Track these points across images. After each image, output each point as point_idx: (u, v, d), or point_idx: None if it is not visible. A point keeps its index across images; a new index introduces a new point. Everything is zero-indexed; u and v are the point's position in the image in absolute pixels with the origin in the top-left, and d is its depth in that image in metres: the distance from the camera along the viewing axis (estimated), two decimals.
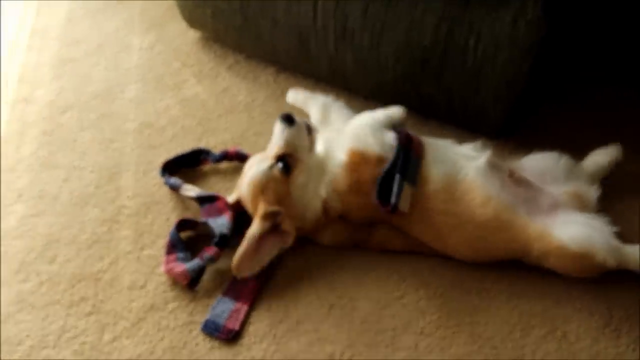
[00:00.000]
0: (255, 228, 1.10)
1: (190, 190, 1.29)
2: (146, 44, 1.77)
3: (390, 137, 1.16)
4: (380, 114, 1.21)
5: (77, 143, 1.47)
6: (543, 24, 1.19)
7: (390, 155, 1.12)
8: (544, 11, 1.19)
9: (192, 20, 1.70)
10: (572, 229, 1.07)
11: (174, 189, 1.31)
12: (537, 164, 1.21)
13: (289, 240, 1.12)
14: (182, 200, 1.32)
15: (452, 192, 1.09)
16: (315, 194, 1.13)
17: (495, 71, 1.26)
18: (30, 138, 1.50)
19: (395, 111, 1.22)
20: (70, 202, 1.33)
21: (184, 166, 1.37)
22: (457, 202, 1.09)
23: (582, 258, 1.06)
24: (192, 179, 1.34)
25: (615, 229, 1.10)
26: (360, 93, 1.54)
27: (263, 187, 1.12)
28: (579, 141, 1.28)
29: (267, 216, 1.10)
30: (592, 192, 1.15)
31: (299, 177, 1.13)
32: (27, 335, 1.09)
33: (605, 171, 1.23)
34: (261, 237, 1.10)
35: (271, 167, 1.13)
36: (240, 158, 1.35)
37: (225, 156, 1.38)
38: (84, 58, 1.74)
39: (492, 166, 1.13)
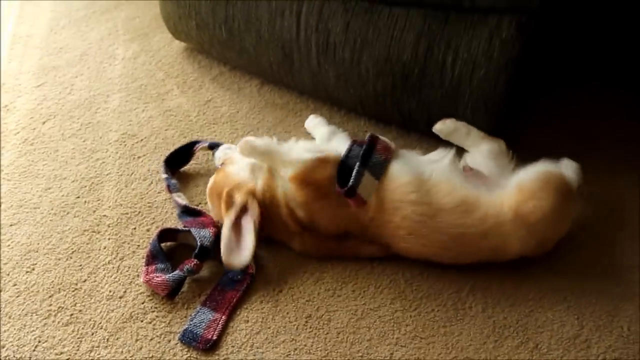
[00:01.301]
0: (225, 220, 1.16)
1: (181, 199, 1.31)
2: (130, 54, 1.78)
3: (340, 138, 1.29)
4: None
5: (58, 152, 1.47)
6: (517, 43, 1.23)
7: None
8: (518, 30, 1.23)
9: (177, 31, 1.71)
10: (524, 171, 1.17)
11: (170, 189, 1.33)
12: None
13: (255, 212, 1.15)
14: (164, 211, 1.32)
15: (420, 187, 1.15)
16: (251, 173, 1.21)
17: (472, 88, 1.30)
18: (10, 146, 1.49)
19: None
20: (51, 212, 1.33)
21: (181, 162, 1.40)
22: (425, 194, 1.14)
23: (546, 186, 1.13)
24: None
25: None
26: (342, 107, 1.57)
27: (213, 191, 1.23)
28: (555, 150, 1.31)
29: (227, 199, 1.17)
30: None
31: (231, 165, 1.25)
32: (2, 346, 1.08)
33: None
34: (235, 225, 1.14)
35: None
36: None
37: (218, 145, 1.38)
38: (67, 67, 1.74)
39: (454, 165, 1.22)
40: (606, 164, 1.41)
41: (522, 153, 1.29)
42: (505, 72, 1.26)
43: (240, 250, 1.13)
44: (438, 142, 1.45)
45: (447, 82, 1.32)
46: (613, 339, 1.10)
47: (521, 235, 1.13)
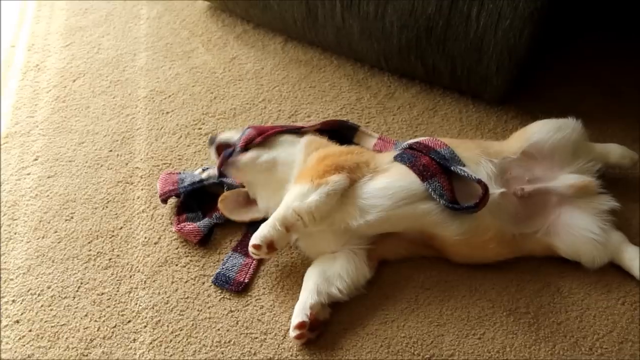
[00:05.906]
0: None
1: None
2: (154, 13, 1.80)
3: None
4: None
5: (89, 109, 1.52)
6: None
7: None
8: None
9: None
10: (569, 240, 1.13)
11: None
12: (547, 140, 1.19)
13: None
14: (193, 163, 1.36)
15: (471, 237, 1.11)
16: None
17: (497, 39, 1.30)
18: (43, 103, 1.54)
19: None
20: (85, 165, 1.38)
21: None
22: (476, 246, 1.12)
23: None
24: None
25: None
26: (366, 62, 1.58)
27: None
28: (580, 104, 1.30)
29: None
30: (594, 183, 1.17)
31: None
32: (48, 287, 1.15)
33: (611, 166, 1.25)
34: None
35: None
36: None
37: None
38: (93, 27, 1.77)
39: (502, 198, 1.13)
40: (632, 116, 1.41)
41: (545, 105, 1.30)
42: (530, 23, 1.26)
43: None
44: (460, 95, 1.47)
45: (472, 34, 1.32)
46: (634, 283, 1.13)
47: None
